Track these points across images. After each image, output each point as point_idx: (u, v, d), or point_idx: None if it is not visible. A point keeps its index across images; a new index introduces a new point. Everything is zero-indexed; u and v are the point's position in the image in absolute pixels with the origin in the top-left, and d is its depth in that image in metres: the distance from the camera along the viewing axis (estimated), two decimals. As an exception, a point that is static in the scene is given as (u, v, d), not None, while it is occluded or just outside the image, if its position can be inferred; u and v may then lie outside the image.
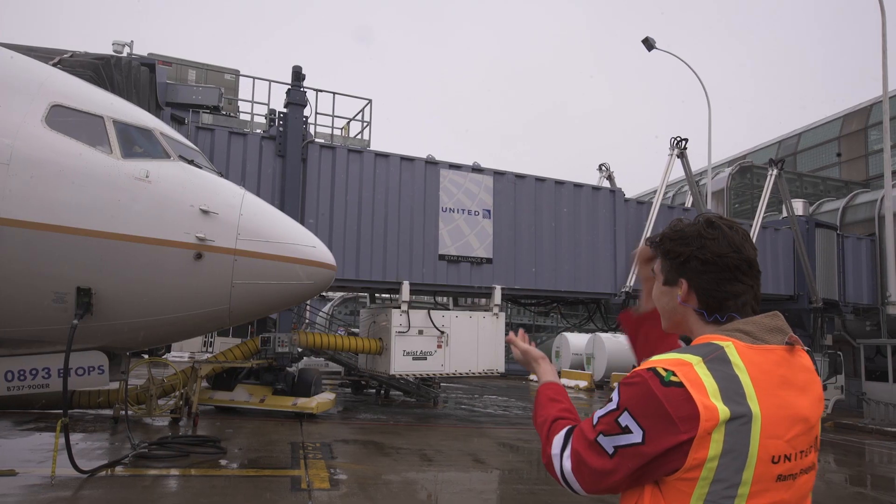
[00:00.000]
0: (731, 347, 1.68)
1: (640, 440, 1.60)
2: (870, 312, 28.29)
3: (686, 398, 1.56)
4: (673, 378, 1.60)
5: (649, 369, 1.65)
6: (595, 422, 1.71)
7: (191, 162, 8.40)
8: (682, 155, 22.53)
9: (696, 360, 1.64)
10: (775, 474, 1.61)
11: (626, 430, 1.62)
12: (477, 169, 19.26)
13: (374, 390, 23.81)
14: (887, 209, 25.81)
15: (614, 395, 1.70)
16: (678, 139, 22.42)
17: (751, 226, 24.61)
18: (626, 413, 1.63)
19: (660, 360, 1.68)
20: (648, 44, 31.45)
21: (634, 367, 1.80)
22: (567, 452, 1.76)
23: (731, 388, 1.59)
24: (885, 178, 25.64)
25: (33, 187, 7.14)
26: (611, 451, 1.64)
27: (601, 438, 1.67)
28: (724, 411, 1.55)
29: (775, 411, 1.61)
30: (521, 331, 2.45)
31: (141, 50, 18.54)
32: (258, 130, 18.11)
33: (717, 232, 1.85)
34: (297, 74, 17.00)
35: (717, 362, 1.64)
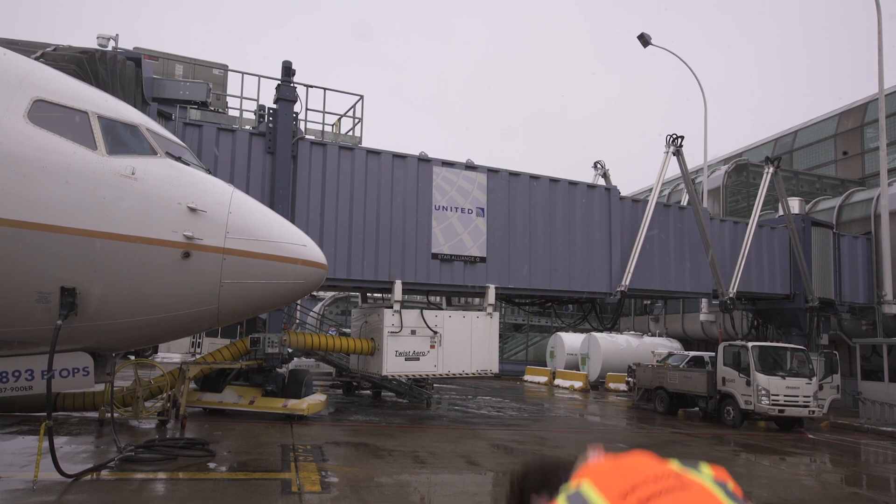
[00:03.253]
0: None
1: None
2: (866, 312, 28.28)
3: None
4: None
5: None
6: None
7: (178, 159, 8.21)
8: (678, 153, 22.42)
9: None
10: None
11: None
12: (470, 166, 19.12)
13: (367, 391, 23.63)
14: (883, 207, 25.82)
15: None
16: (674, 136, 22.30)
17: (747, 224, 24.56)
18: None
19: None
20: (644, 40, 31.38)
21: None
22: None
23: None
24: (882, 177, 25.58)
25: (15, 184, 6.94)
26: None
27: None
28: None
29: None
30: None
31: (127, 44, 18.28)
32: (247, 127, 17.88)
33: None
34: (287, 70, 16.82)
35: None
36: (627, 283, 20.81)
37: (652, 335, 37.84)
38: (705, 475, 1.85)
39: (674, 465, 1.85)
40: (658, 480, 1.71)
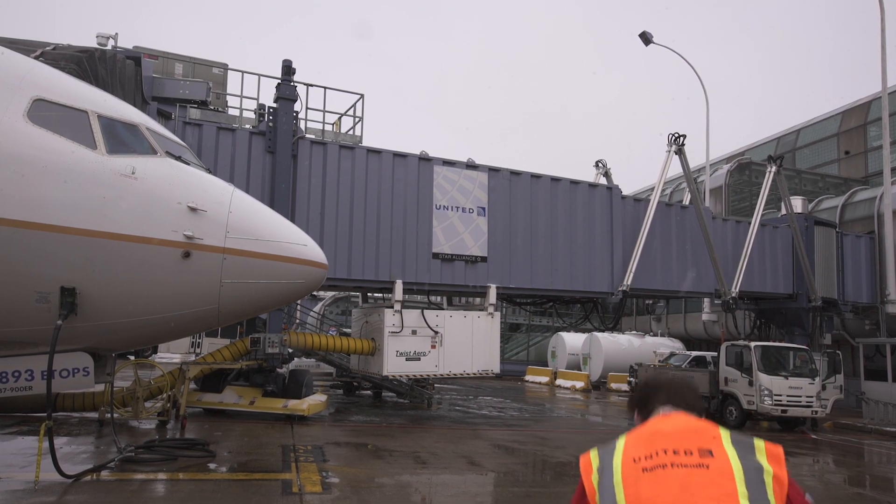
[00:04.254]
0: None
1: None
2: (869, 311, 28.21)
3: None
4: None
5: None
6: None
7: (178, 158, 8.18)
8: (679, 151, 22.36)
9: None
10: (640, 468, 2.21)
11: None
12: (471, 165, 19.06)
13: (368, 391, 23.58)
14: (886, 206, 25.72)
15: None
16: (676, 135, 22.24)
17: (749, 223, 24.49)
18: None
19: None
20: (645, 38, 31.35)
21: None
22: None
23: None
24: (885, 175, 25.54)
25: (14, 184, 6.92)
26: None
27: None
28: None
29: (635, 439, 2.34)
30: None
31: (126, 43, 18.22)
32: (247, 126, 17.82)
33: None
34: (288, 69, 16.75)
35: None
36: (629, 282, 20.74)
37: (654, 335, 37.78)
38: (741, 456, 2.19)
39: (723, 439, 2.25)
40: (678, 454, 2.19)
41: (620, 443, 2.35)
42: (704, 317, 33.17)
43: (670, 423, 2.37)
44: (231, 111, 19.88)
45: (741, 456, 2.18)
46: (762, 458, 2.18)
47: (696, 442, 2.24)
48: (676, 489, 2.12)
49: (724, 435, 2.27)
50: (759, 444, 2.22)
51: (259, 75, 18.84)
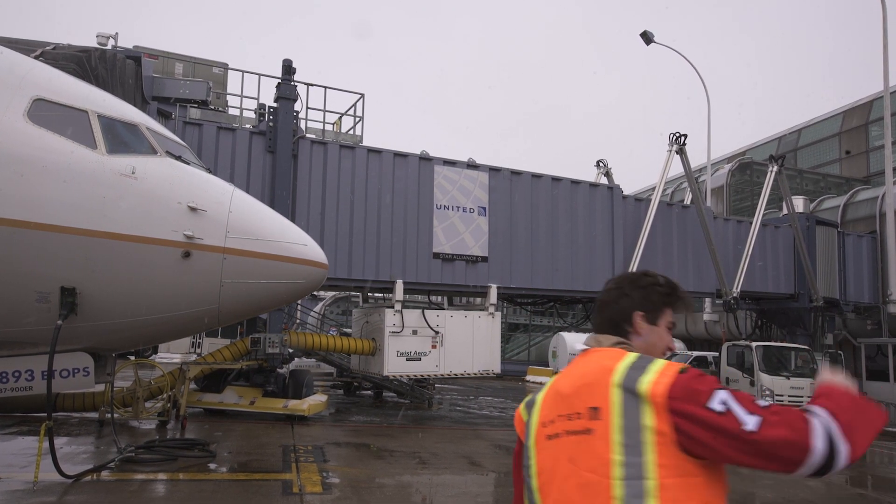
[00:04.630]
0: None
1: None
2: (871, 311, 28.15)
3: None
4: None
5: None
6: None
7: (178, 158, 8.17)
8: (681, 151, 22.30)
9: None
10: (545, 434, 2.23)
11: None
12: (472, 165, 19.03)
13: (369, 391, 23.54)
14: (888, 206, 25.67)
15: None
16: (677, 135, 22.19)
17: (750, 223, 24.45)
18: None
19: None
20: (647, 37, 31.30)
21: None
22: None
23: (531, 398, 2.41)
24: (887, 175, 25.48)
25: (14, 184, 6.92)
26: None
27: None
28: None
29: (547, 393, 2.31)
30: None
31: (126, 42, 18.20)
32: (247, 126, 17.80)
33: None
34: (288, 68, 16.72)
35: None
36: (630, 282, 20.64)
37: (654, 335, 37.61)
38: (625, 412, 2.04)
39: (612, 388, 2.09)
40: (571, 419, 2.16)
41: (540, 397, 2.36)
42: (706, 317, 33.12)
43: (571, 378, 2.26)
44: (231, 111, 19.85)
45: (625, 413, 2.02)
46: (646, 411, 1.99)
47: (588, 399, 2.14)
48: (566, 462, 2.13)
49: (616, 380, 2.07)
50: (645, 387, 2.01)
51: (259, 75, 18.82)
